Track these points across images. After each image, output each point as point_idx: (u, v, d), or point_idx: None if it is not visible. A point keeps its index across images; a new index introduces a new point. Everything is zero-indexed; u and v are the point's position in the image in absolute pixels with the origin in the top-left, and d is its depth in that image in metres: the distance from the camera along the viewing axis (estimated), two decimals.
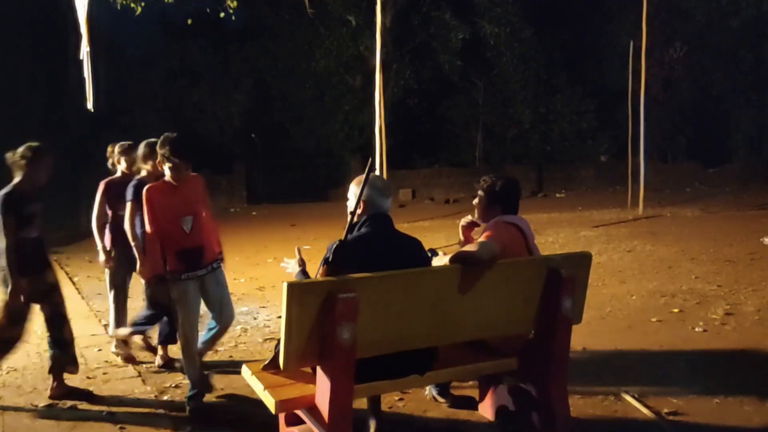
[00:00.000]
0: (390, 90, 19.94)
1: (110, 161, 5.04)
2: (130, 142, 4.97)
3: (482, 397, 3.64)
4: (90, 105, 10.39)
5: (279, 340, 3.24)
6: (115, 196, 4.84)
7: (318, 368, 2.79)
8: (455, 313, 3.02)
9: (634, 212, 13.86)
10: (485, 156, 23.67)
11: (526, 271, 3.18)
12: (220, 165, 20.97)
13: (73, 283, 8.43)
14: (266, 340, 5.48)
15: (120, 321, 4.96)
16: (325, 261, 2.75)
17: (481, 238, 3.23)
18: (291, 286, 2.64)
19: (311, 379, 2.90)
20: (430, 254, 3.34)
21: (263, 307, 6.68)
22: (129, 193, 4.53)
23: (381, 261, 2.90)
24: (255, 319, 6.24)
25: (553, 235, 10.93)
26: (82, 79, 10.09)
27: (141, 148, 4.65)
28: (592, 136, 23.72)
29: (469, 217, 3.69)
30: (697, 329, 5.13)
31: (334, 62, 21.11)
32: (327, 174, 22.63)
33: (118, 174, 4.96)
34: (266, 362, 3.12)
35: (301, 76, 22.20)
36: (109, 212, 4.91)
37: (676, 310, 5.68)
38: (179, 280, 3.88)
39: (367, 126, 18.95)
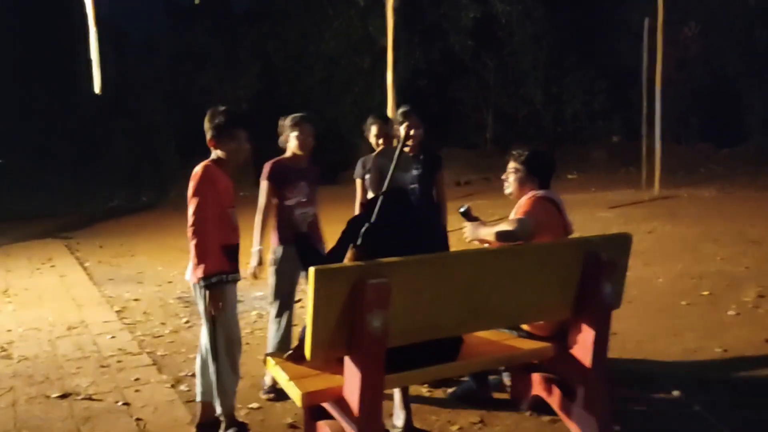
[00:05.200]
0: (399, 71, 19.62)
1: (281, 138, 4.06)
2: (302, 114, 4.05)
3: (515, 386, 3.48)
4: (97, 88, 10.22)
5: (304, 328, 3.09)
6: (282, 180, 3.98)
7: (346, 359, 2.63)
8: (489, 299, 2.84)
9: (650, 193, 13.61)
10: (496, 137, 23.36)
11: (563, 254, 2.99)
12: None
13: (84, 269, 8.31)
14: None
15: (283, 344, 3.84)
16: (354, 244, 2.57)
17: (518, 215, 3.05)
18: (318, 272, 2.46)
19: (338, 368, 2.73)
20: (464, 211, 3.18)
21: None
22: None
23: (411, 243, 2.73)
24: (270, 304, 6.08)
25: (570, 216, 10.68)
26: (89, 62, 9.93)
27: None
28: (605, 117, 23.37)
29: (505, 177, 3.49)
30: (729, 312, 4.95)
31: (343, 44, 20.81)
32: (336, 157, 22.39)
33: (288, 154, 4.03)
34: (290, 351, 2.95)
35: (310, 58, 21.90)
36: (275, 201, 3.96)
37: (705, 293, 5.50)
38: (227, 282, 3.28)
39: (377, 108, 18.67)
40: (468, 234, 3.22)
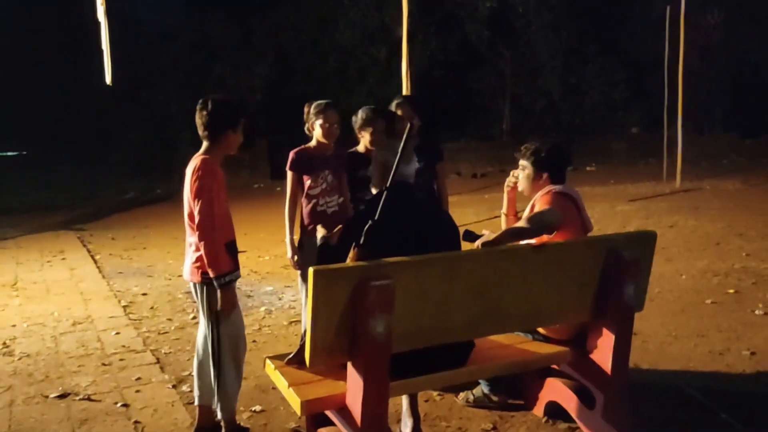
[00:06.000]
0: (415, 62, 19.39)
1: (306, 125, 3.91)
2: (327, 101, 3.90)
3: (529, 391, 3.29)
4: (108, 78, 10.10)
5: (305, 331, 2.93)
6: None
7: (349, 365, 2.46)
8: (502, 300, 2.66)
9: (671, 185, 13.33)
10: (513, 129, 23.05)
11: (582, 252, 2.80)
12: (243, 140, 20.69)
13: (95, 262, 8.23)
14: (291, 322, 5.18)
15: None
16: (356, 243, 2.40)
17: (534, 211, 2.86)
18: (317, 273, 2.30)
19: (341, 374, 2.57)
20: (470, 238, 2.94)
21: (288, 286, 6.38)
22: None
23: (418, 242, 2.55)
24: (280, 299, 5.95)
25: (588, 209, 10.39)
26: (100, 52, 9.81)
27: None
28: (624, 108, 22.96)
29: (514, 174, 3.27)
30: (757, 312, 4.72)
31: (358, 34, 20.60)
32: (351, 147, 22.24)
33: (313, 142, 3.89)
34: (291, 355, 2.79)
35: (324, 48, 21.72)
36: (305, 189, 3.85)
37: (731, 291, 5.26)
38: (233, 282, 3.10)
39: (392, 99, 18.41)
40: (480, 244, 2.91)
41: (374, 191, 2.78)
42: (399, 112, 3.93)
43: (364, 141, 3.97)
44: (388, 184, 2.39)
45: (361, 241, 2.39)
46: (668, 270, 6.08)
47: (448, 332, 2.60)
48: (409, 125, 2.45)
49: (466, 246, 2.76)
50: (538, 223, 2.82)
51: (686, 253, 6.83)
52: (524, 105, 23.22)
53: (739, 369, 3.74)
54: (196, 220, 2.96)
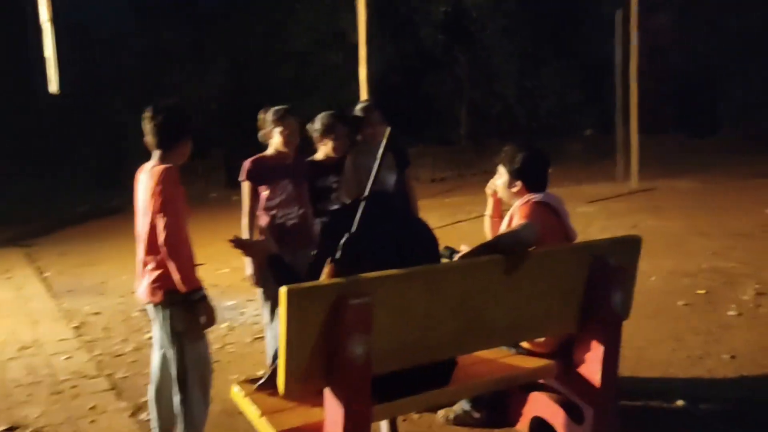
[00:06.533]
0: (372, 67, 19.26)
1: (261, 132, 3.74)
2: (286, 106, 3.72)
3: (513, 407, 3.14)
4: (54, 87, 9.69)
5: (276, 351, 2.73)
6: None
7: (326, 390, 2.27)
8: (486, 314, 2.50)
9: (628, 186, 13.45)
10: (470, 133, 23.10)
11: (567, 260, 2.66)
12: (196, 149, 20.20)
13: (43, 280, 7.82)
14: (255, 339, 4.95)
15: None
16: (332, 258, 2.21)
17: (518, 220, 2.71)
18: (290, 292, 2.10)
19: (318, 399, 2.37)
20: (448, 254, 2.78)
21: (250, 300, 6.12)
22: None
23: (398, 255, 2.38)
24: (242, 314, 5.70)
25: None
26: (44, 60, 9.39)
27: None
28: (577, 110, 23.25)
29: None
30: (730, 313, 4.68)
31: (312, 39, 20.37)
32: (308, 155, 21.95)
33: (271, 151, 3.71)
34: (261, 380, 2.58)
35: (278, 54, 21.42)
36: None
37: (702, 292, 5.23)
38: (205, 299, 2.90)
39: (349, 105, 18.22)
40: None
41: (346, 200, 2.60)
42: (366, 117, 3.76)
43: (326, 148, 3.78)
44: (366, 193, 2.20)
45: (337, 255, 2.21)
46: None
47: (431, 350, 2.43)
48: (388, 130, 2.28)
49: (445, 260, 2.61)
50: (512, 239, 2.55)
51: (652, 253, 6.79)
52: (481, 109, 23.29)
53: (720, 374, 3.67)
54: (162, 235, 2.71)
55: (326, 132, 3.72)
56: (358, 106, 3.87)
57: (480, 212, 10.60)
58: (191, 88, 21.94)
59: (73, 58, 16.32)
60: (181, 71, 21.91)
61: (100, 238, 11.43)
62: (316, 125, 3.76)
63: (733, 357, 3.88)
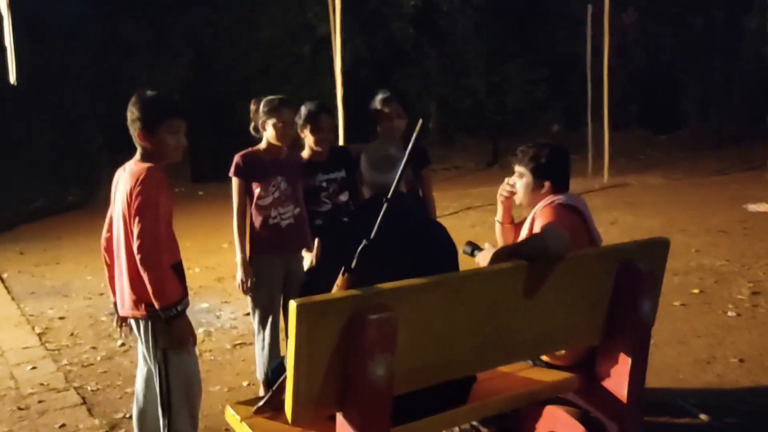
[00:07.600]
0: (343, 60, 18.96)
1: (252, 124, 3.47)
2: (281, 97, 3.46)
3: (525, 422, 2.94)
4: (12, 78, 9.21)
5: (276, 366, 2.48)
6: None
7: (338, 415, 2.03)
8: (511, 326, 2.29)
9: (599, 181, 13.44)
10: (439, 128, 22.97)
11: (593, 266, 2.47)
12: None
13: (2, 281, 7.37)
14: (235, 345, 4.67)
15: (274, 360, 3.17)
16: (347, 268, 1.96)
17: (541, 225, 2.49)
18: (300, 306, 1.85)
19: (326, 425, 2.13)
20: (470, 250, 2.56)
21: (226, 302, 5.83)
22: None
23: (417, 263, 2.14)
24: (218, 318, 5.41)
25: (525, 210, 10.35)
26: (2, 49, 8.91)
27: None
28: (545, 106, 23.31)
29: (509, 181, 2.89)
30: (729, 313, 4.56)
31: (280, 31, 19.97)
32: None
33: (263, 145, 3.47)
34: (261, 403, 2.32)
35: (245, 46, 20.96)
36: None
37: (696, 291, 5.12)
38: (184, 311, 2.64)
39: (318, 99, 17.88)
40: (481, 261, 2.50)
41: (363, 199, 2.33)
42: (386, 110, 3.48)
43: (308, 141, 3.50)
44: (390, 195, 1.94)
45: (353, 265, 1.96)
46: None
47: (453, 367, 2.20)
48: (420, 122, 2.02)
49: (464, 260, 2.38)
50: (539, 249, 2.26)
51: None
52: (450, 104, 23.18)
53: (731, 379, 3.53)
54: (137, 242, 2.42)
55: (306, 121, 3.43)
56: (378, 98, 3.57)
57: (455, 209, 10.43)
58: (153, 81, 21.30)
59: (30, 49, 15.64)
60: (142, 63, 21.28)
61: (59, 235, 10.95)
62: (299, 114, 3.49)
63: (741, 361, 3.75)
